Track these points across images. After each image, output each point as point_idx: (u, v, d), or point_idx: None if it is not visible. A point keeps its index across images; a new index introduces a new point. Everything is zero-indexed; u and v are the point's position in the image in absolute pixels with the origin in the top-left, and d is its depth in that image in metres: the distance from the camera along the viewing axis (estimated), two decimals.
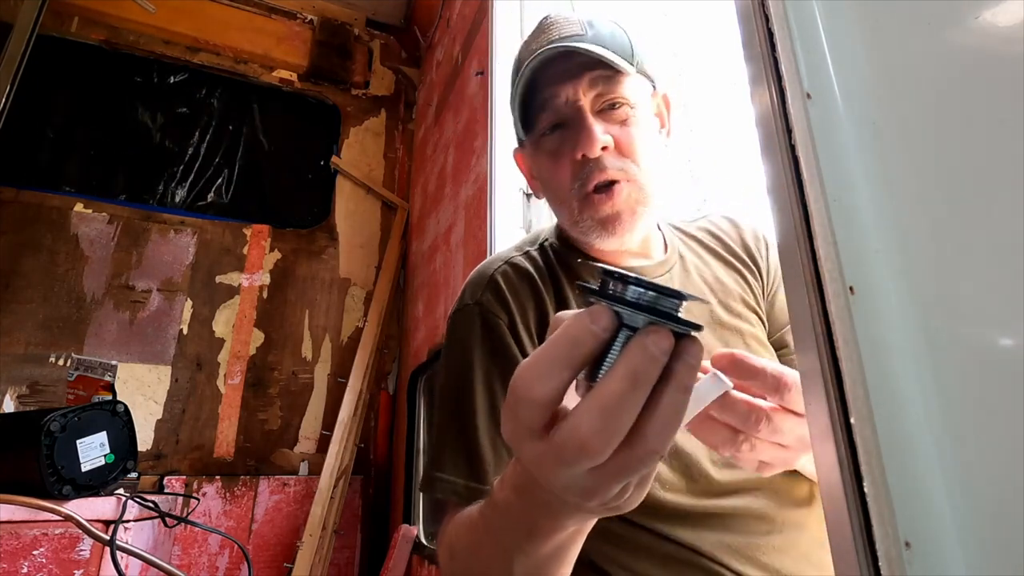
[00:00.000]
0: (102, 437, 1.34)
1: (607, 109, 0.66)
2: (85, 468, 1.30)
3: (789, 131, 0.33)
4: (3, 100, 1.58)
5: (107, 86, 2.42)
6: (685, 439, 0.62)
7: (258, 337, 2.33)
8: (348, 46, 2.80)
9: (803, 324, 0.32)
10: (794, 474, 0.64)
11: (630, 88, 0.66)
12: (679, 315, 0.27)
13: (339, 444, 2.19)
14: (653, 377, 0.26)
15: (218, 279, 2.33)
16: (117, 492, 1.35)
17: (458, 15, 2.19)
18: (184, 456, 2.11)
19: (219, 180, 2.53)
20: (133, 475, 1.43)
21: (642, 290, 0.27)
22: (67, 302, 2.08)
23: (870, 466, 0.26)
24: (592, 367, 0.29)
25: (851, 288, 0.29)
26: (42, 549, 1.22)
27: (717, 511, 0.59)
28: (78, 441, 1.29)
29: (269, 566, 2.05)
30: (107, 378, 1.57)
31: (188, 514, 1.66)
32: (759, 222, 0.81)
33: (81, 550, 1.25)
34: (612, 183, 0.65)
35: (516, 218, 1.48)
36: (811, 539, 0.61)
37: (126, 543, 1.26)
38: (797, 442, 0.39)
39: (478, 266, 0.75)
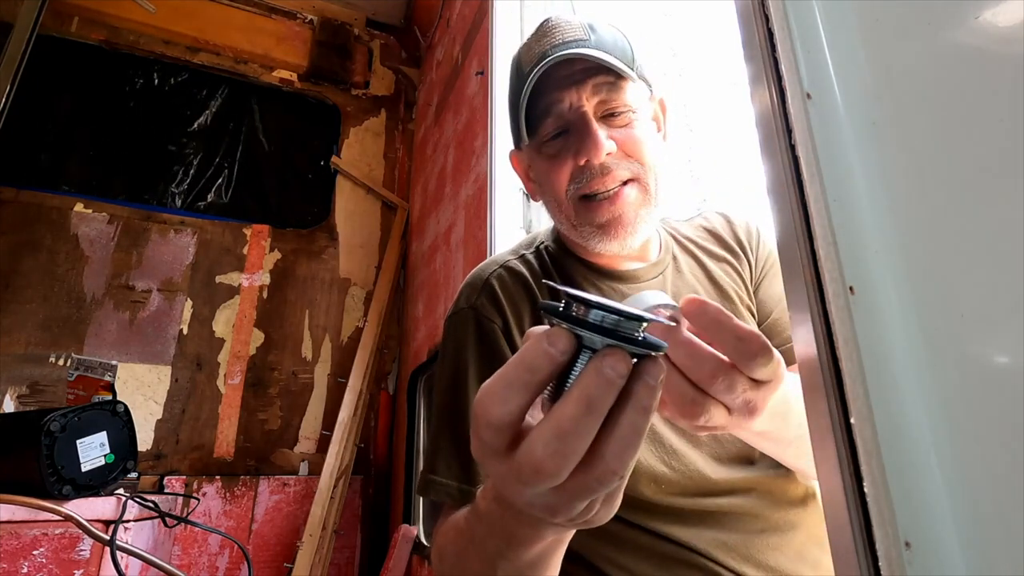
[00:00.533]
0: (102, 437, 1.34)
1: (609, 116, 0.66)
2: (85, 468, 1.29)
3: (789, 131, 0.33)
4: (3, 100, 1.58)
5: (107, 86, 2.42)
6: (680, 440, 0.62)
7: (258, 337, 2.33)
8: (348, 46, 2.80)
9: (803, 324, 0.32)
10: (788, 473, 0.64)
11: (631, 94, 0.67)
12: (640, 336, 0.27)
13: (339, 444, 2.19)
14: (608, 400, 0.26)
15: (218, 279, 2.33)
16: (117, 492, 1.35)
17: (458, 15, 2.19)
18: (184, 456, 2.11)
19: (219, 180, 2.53)
20: (133, 475, 1.43)
21: (604, 313, 0.27)
22: (67, 302, 2.08)
23: (870, 466, 0.26)
24: (556, 385, 0.29)
25: (851, 288, 0.29)
26: (42, 549, 1.22)
27: (713, 510, 0.60)
28: (78, 441, 1.29)
29: (269, 566, 2.05)
30: (107, 378, 1.57)
31: (188, 514, 1.66)
32: (754, 216, 0.82)
33: (81, 550, 1.25)
34: (624, 183, 0.65)
35: (516, 218, 1.48)
36: (806, 537, 0.61)
37: (126, 543, 1.26)
38: (744, 406, 0.37)
39: (474, 269, 0.75)
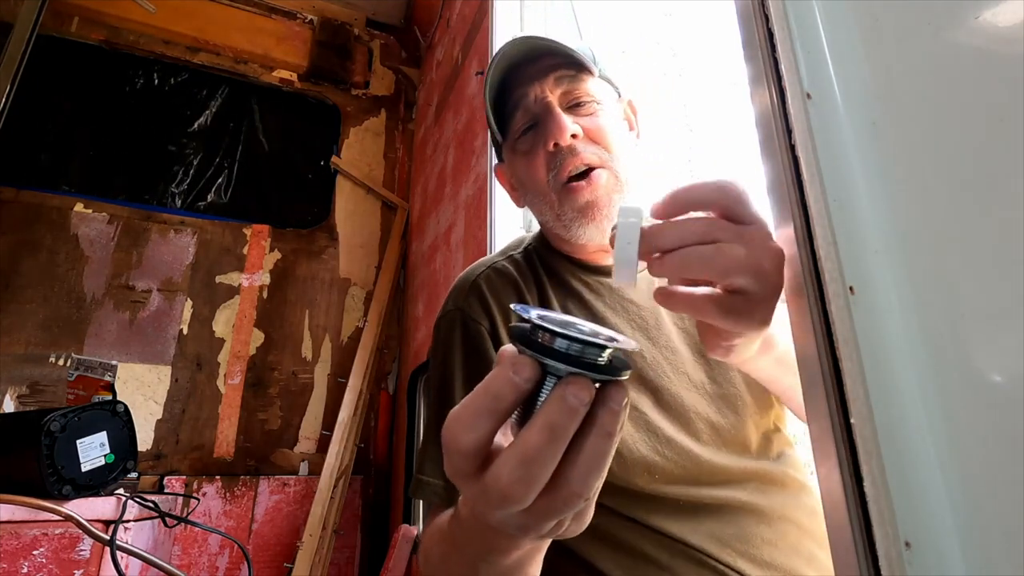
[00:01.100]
0: (102, 437, 1.34)
1: (574, 105, 0.69)
2: (85, 468, 1.29)
3: (789, 131, 0.33)
4: (3, 100, 1.58)
5: (107, 86, 2.42)
6: (676, 430, 0.62)
7: (258, 337, 2.33)
8: (348, 46, 2.80)
9: (803, 324, 0.32)
10: (783, 467, 0.65)
11: (594, 86, 0.70)
12: (604, 362, 0.28)
13: (339, 444, 2.19)
14: (571, 428, 0.27)
15: (218, 279, 2.33)
16: (117, 492, 1.35)
17: (458, 15, 2.19)
18: (184, 456, 2.11)
19: (219, 180, 2.53)
20: (133, 475, 1.43)
21: (568, 342, 0.28)
22: (67, 302, 2.08)
23: (870, 466, 0.26)
24: (524, 408, 0.30)
25: (851, 288, 0.29)
26: (42, 549, 1.22)
27: (708, 501, 0.60)
28: (78, 441, 1.29)
29: (269, 566, 2.05)
30: (107, 378, 1.57)
31: (188, 514, 1.66)
32: None
33: (81, 550, 1.25)
34: (588, 170, 0.66)
35: (516, 218, 1.48)
36: (800, 531, 0.61)
37: (126, 543, 1.26)
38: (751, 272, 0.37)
39: (463, 271, 0.77)
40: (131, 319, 2.16)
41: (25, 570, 1.20)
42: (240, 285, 2.36)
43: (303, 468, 2.24)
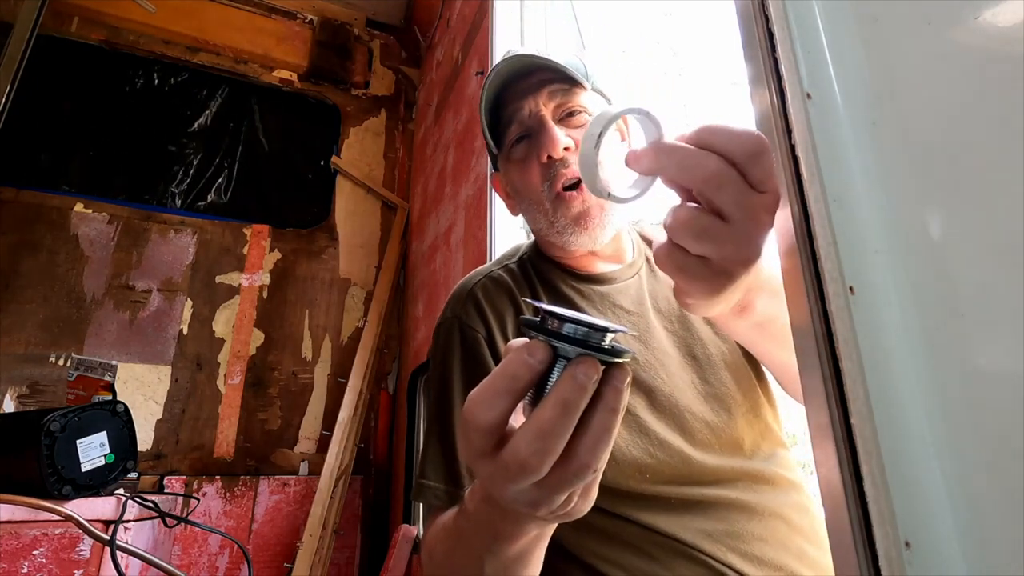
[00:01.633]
0: (102, 437, 1.34)
1: (567, 117, 0.71)
2: (85, 468, 1.30)
3: (789, 131, 0.33)
4: (3, 100, 1.58)
5: (107, 86, 2.42)
6: (668, 430, 0.64)
7: (258, 337, 2.33)
8: (348, 46, 2.80)
9: (803, 324, 0.32)
10: (773, 467, 0.66)
11: (586, 99, 0.72)
12: (608, 346, 0.31)
13: (339, 444, 2.19)
14: (582, 403, 0.30)
15: (218, 279, 2.33)
16: (117, 492, 1.35)
17: (458, 15, 2.19)
18: (184, 456, 2.11)
19: (219, 180, 2.53)
20: (133, 475, 1.43)
21: (575, 326, 0.31)
22: (67, 302, 2.08)
23: (870, 466, 0.26)
24: (536, 391, 0.33)
25: (851, 288, 0.29)
26: (42, 549, 1.22)
27: (699, 499, 0.61)
28: (78, 441, 1.29)
29: (269, 566, 2.05)
30: (107, 378, 1.57)
31: (188, 514, 1.66)
32: None
33: (81, 550, 1.25)
34: (580, 181, 0.68)
35: (516, 218, 1.48)
36: (790, 527, 0.62)
37: (126, 543, 1.26)
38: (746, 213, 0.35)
39: (461, 280, 0.80)
40: (131, 319, 2.16)
41: (25, 570, 1.20)
42: (240, 285, 2.36)
43: (303, 468, 2.24)
